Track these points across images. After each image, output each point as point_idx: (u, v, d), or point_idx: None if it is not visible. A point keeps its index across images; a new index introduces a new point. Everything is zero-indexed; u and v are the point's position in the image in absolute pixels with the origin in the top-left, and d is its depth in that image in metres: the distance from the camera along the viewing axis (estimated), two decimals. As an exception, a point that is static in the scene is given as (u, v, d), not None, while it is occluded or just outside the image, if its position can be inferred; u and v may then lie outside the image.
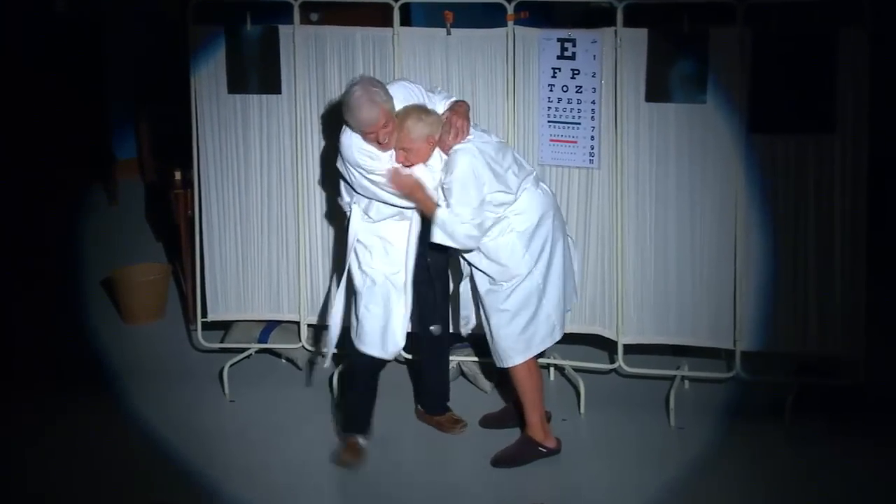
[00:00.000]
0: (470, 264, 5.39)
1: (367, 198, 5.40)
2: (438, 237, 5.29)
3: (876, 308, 5.71)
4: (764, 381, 5.83)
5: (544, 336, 5.42)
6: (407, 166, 5.31)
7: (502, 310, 5.34)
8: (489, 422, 5.78)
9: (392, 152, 5.31)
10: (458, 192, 5.22)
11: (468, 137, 5.33)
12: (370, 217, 5.42)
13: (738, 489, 5.26)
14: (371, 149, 5.31)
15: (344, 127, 5.38)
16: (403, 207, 5.39)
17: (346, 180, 5.45)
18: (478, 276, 5.39)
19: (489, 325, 5.40)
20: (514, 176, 5.33)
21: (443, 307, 5.71)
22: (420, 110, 5.32)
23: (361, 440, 5.56)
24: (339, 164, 5.44)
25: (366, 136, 5.28)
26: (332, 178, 6.00)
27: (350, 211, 5.49)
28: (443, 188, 5.28)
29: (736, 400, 5.89)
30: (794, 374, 5.83)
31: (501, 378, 5.88)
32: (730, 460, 5.46)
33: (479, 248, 5.32)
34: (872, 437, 5.54)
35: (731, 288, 5.76)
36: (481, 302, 5.40)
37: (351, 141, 5.34)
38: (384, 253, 5.43)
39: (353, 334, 5.54)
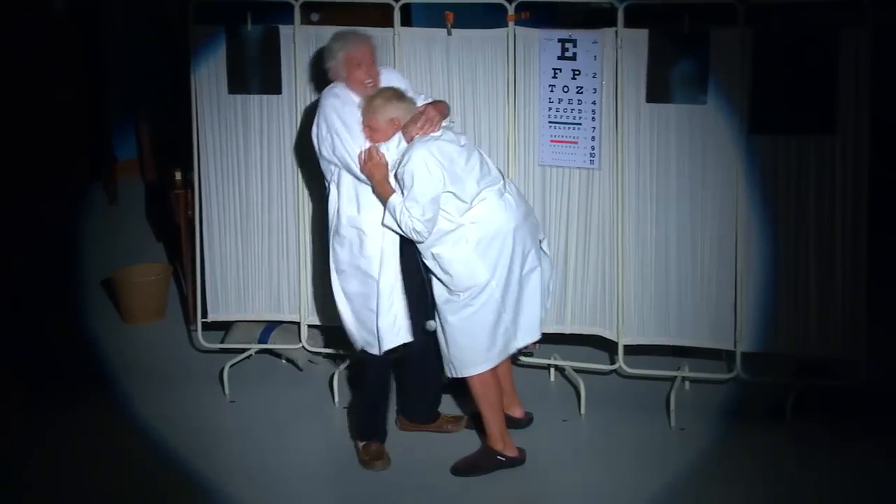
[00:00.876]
0: (428, 272, 5.31)
1: (344, 168, 5.31)
2: (388, 220, 5.25)
3: (876, 308, 5.71)
4: (764, 382, 5.83)
5: (501, 350, 5.35)
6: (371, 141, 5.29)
7: (461, 319, 5.27)
8: (476, 423, 5.67)
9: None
10: (408, 183, 5.17)
11: (433, 133, 5.29)
12: (349, 202, 5.34)
13: (739, 490, 5.25)
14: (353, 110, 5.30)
15: (325, 90, 5.38)
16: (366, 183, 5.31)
17: (323, 156, 5.37)
18: (435, 284, 5.31)
19: (445, 333, 5.33)
20: (474, 183, 5.24)
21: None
22: (393, 93, 5.31)
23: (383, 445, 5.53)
24: (317, 134, 5.34)
25: (352, 70, 5.30)
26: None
27: (334, 193, 5.40)
28: (396, 177, 5.24)
29: (736, 401, 5.89)
30: (794, 375, 5.82)
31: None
32: (730, 461, 5.46)
33: (434, 257, 5.27)
34: (873, 437, 5.54)
35: (731, 289, 5.76)
36: (439, 311, 5.33)
37: (335, 91, 5.34)
38: (369, 244, 5.33)
39: (361, 341, 5.44)
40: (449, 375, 5.42)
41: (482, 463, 5.43)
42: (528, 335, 5.45)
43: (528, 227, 5.39)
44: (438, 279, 5.29)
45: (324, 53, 5.47)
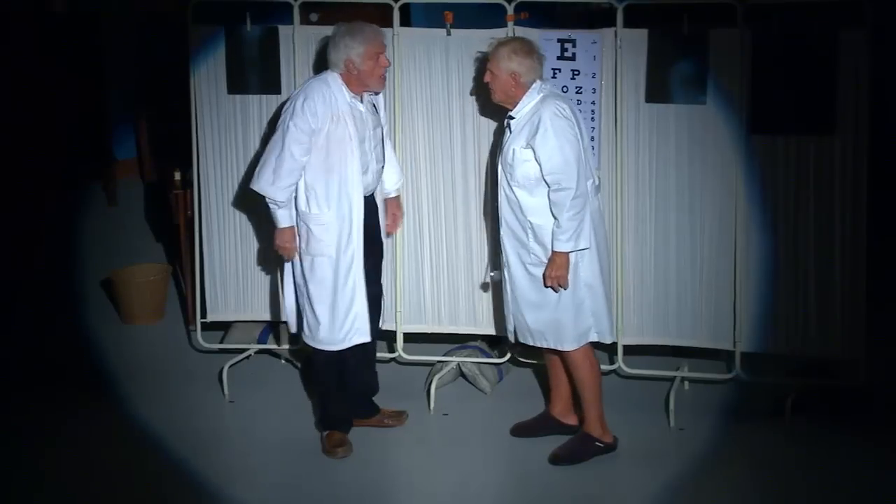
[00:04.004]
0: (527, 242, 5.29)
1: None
2: (563, 245, 5.15)
3: (876, 309, 5.71)
4: (764, 382, 5.83)
5: (596, 330, 5.36)
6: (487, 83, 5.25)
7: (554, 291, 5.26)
8: (522, 431, 5.67)
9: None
10: (556, 160, 5.08)
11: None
12: (300, 196, 5.38)
13: (738, 490, 5.26)
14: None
15: (317, 79, 5.37)
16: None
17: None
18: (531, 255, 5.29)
19: (553, 300, 5.29)
20: (586, 167, 5.22)
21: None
22: (523, 46, 5.21)
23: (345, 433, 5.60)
24: (292, 123, 5.29)
25: (375, 56, 5.30)
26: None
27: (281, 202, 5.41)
28: (536, 155, 5.14)
29: (736, 401, 5.89)
30: (794, 375, 5.83)
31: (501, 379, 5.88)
32: (730, 461, 5.46)
33: (532, 228, 5.22)
34: (873, 438, 5.54)
35: (731, 289, 5.76)
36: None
37: (328, 81, 5.33)
38: (324, 234, 5.38)
39: (305, 333, 5.52)
40: (527, 342, 5.41)
41: (581, 450, 5.42)
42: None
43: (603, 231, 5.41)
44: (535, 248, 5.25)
45: (335, 45, 5.39)
